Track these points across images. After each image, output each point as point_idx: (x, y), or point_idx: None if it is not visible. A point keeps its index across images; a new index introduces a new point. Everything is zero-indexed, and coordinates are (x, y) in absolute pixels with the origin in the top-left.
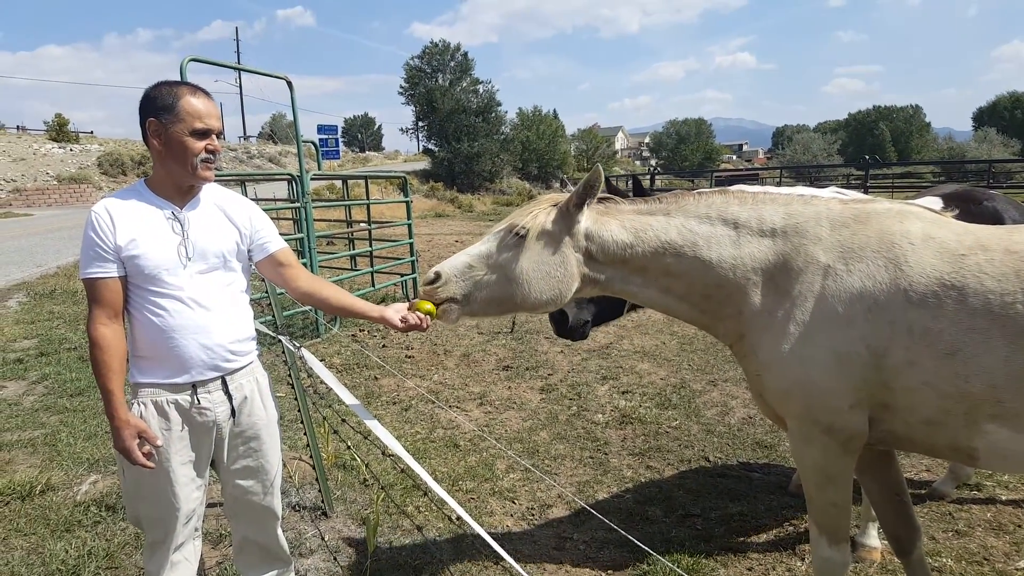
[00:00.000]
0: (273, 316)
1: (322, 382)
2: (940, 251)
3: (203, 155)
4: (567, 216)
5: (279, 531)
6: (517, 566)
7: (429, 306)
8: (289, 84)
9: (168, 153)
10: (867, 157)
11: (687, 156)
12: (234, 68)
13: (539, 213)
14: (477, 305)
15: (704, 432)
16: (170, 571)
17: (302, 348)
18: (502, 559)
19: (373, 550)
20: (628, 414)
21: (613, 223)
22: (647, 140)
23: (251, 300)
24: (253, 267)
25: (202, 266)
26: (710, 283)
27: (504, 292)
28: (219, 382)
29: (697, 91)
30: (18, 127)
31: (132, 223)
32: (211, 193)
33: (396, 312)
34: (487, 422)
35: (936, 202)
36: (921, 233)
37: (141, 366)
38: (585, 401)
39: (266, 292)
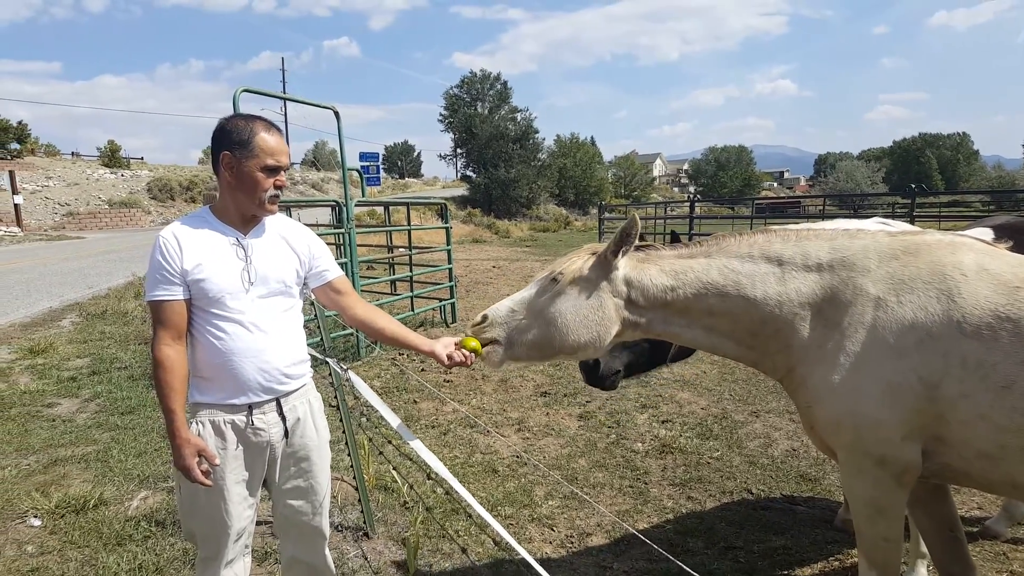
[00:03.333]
0: (321, 338)
1: (365, 404)
2: (994, 283)
3: (271, 191)
4: (605, 263)
5: (326, 551)
6: None
7: (475, 344)
8: (336, 114)
9: (238, 185)
10: (913, 186)
11: (726, 183)
12: (284, 98)
13: (576, 260)
14: (519, 349)
15: (746, 464)
16: None
17: (349, 370)
18: None
19: (414, 572)
20: (668, 443)
21: (653, 268)
22: (686, 167)
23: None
24: (309, 293)
25: (263, 291)
26: (756, 320)
27: (544, 337)
28: (274, 404)
29: (737, 118)
30: (73, 153)
31: (199, 248)
32: (273, 221)
33: (444, 348)
34: (525, 448)
35: (987, 233)
36: (974, 264)
37: (200, 386)
38: (624, 429)
39: (314, 315)
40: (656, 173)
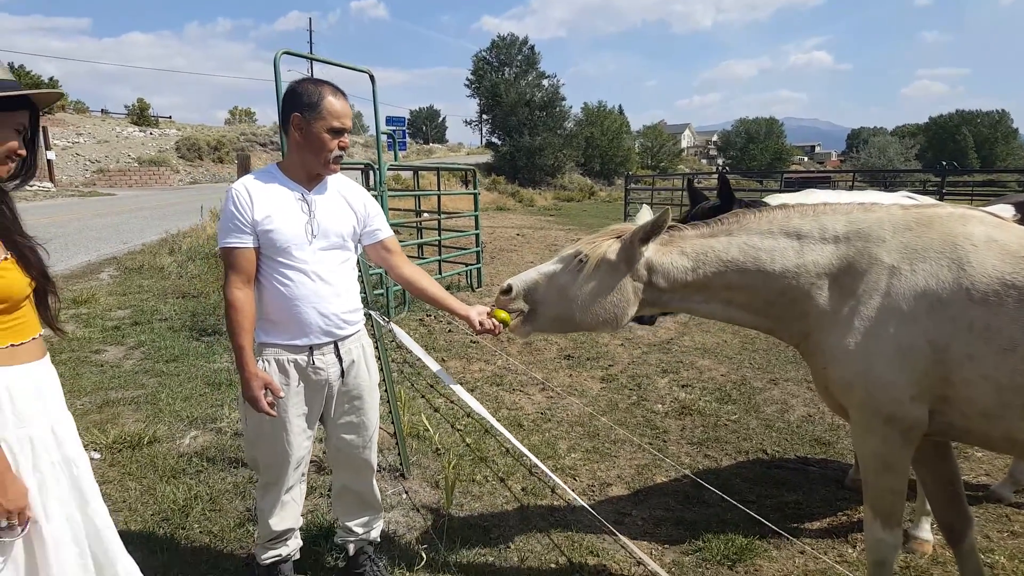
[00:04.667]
0: (364, 292)
1: (398, 360)
2: (1001, 252)
3: (336, 152)
4: (630, 250)
5: (374, 482)
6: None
7: (504, 315)
8: (372, 78)
9: (306, 145)
10: (944, 163)
11: (756, 156)
12: (322, 61)
13: (601, 243)
14: (542, 321)
15: (763, 427)
16: (280, 509)
17: (391, 322)
18: (565, 526)
19: (450, 506)
20: (688, 406)
21: (674, 251)
22: (715, 138)
23: None
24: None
25: (324, 243)
26: (774, 291)
27: (564, 312)
28: (332, 346)
29: (770, 90)
30: (102, 110)
31: (268, 201)
32: (334, 180)
33: (478, 315)
34: (549, 406)
35: (1008, 209)
36: (983, 235)
37: (267, 328)
38: (645, 392)
39: (358, 272)
40: (684, 144)
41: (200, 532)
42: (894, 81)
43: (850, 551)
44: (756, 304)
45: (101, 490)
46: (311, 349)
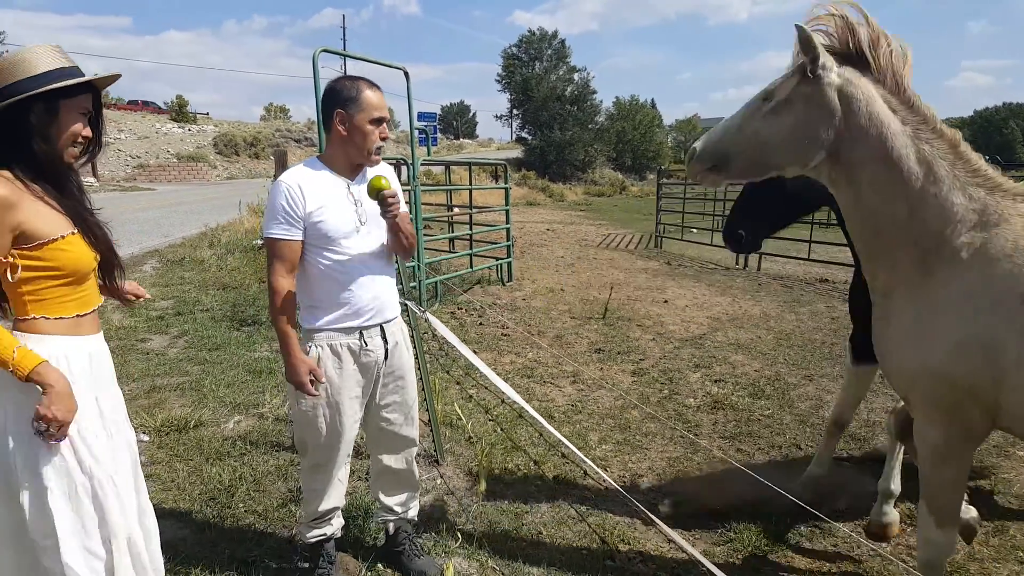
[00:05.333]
0: (401, 283)
1: (440, 345)
2: None
3: (377, 143)
4: (812, 82)
5: (414, 460)
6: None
7: (383, 183)
8: (406, 74)
9: (350, 139)
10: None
11: None
12: (358, 58)
13: (785, 82)
14: (734, 170)
15: (797, 422)
16: (328, 490)
17: (426, 312)
18: (597, 514)
19: (483, 491)
20: (720, 400)
21: (877, 99)
22: None
23: None
24: None
25: (370, 230)
26: (886, 219)
27: (752, 156)
28: (379, 329)
29: None
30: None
31: (319, 194)
32: (372, 169)
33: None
34: (580, 398)
35: None
36: None
37: (317, 315)
38: (676, 386)
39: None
40: None
41: (245, 511)
42: (937, 73)
43: (883, 545)
44: (875, 221)
45: (151, 470)
46: (361, 332)
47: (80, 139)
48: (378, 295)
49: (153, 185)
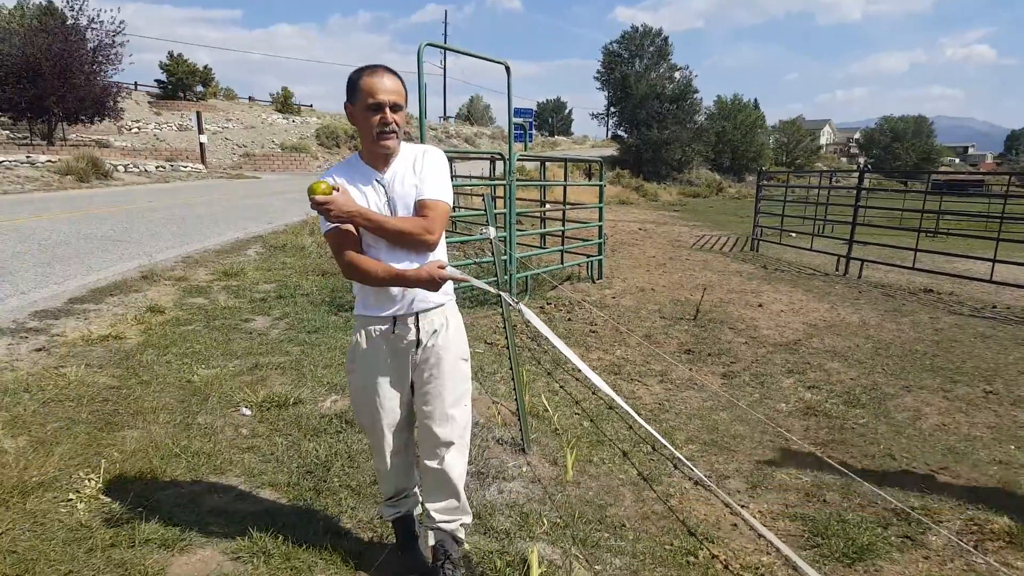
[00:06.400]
0: (496, 276)
1: (529, 339)
2: None
3: (377, 128)
4: None
5: (452, 463)
6: (724, 495)
7: (322, 186)
8: (507, 69)
9: (359, 129)
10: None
11: (900, 155)
12: (461, 52)
13: None
14: None
15: (892, 432)
16: (387, 472)
17: (520, 303)
18: (682, 511)
19: (568, 479)
20: (813, 407)
21: None
22: (857, 136)
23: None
24: (487, 232)
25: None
26: None
27: None
28: (413, 317)
29: (921, 86)
30: (249, 98)
31: (350, 187)
32: (407, 153)
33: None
34: (667, 397)
35: None
36: None
37: (362, 300)
38: (768, 390)
39: (491, 256)
40: (823, 141)
41: (339, 485)
42: None
43: (978, 561)
44: None
45: (251, 443)
46: (394, 320)
47: None
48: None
49: (258, 173)
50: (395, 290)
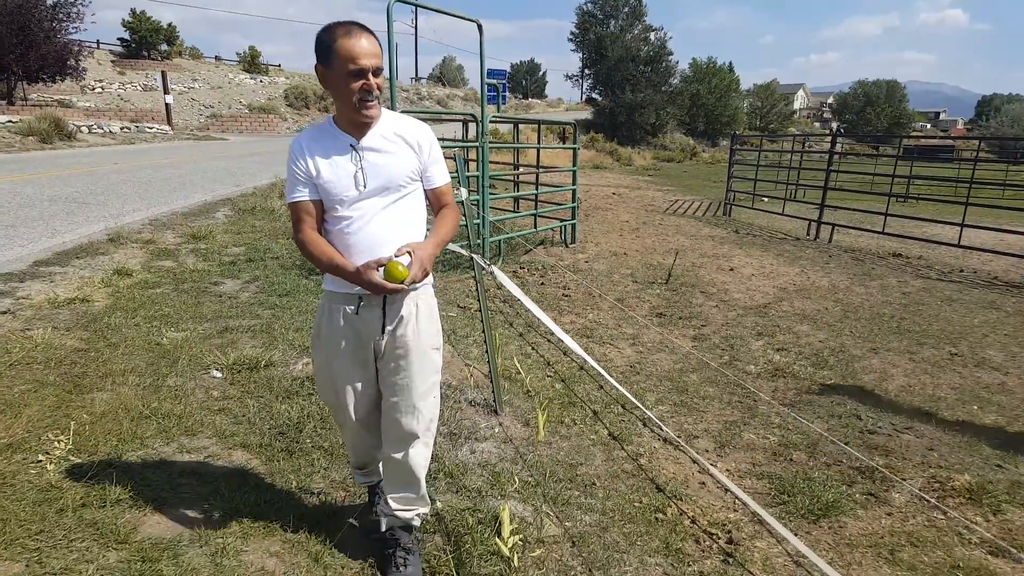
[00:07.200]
0: (468, 240)
1: (500, 303)
2: None
3: (358, 95)
4: None
5: (417, 460)
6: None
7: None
8: (480, 27)
9: (334, 94)
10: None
11: (872, 120)
12: (431, 9)
13: None
14: None
15: (859, 393)
16: (351, 447)
17: (492, 266)
18: (651, 470)
19: (540, 439)
20: (781, 368)
21: None
22: (830, 100)
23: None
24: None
25: (376, 192)
26: None
27: None
28: (380, 299)
29: (894, 51)
30: (216, 57)
31: (319, 155)
32: (391, 122)
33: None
34: (638, 360)
35: None
36: None
37: (328, 277)
38: (737, 352)
39: (464, 220)
40: (797, 105)
41: (312, 446)
42: None
43: (940, 518)
44: None
45: (224, 405)
46: (360, 300)
47: None
48: (378, 262)
49: (225, 135)
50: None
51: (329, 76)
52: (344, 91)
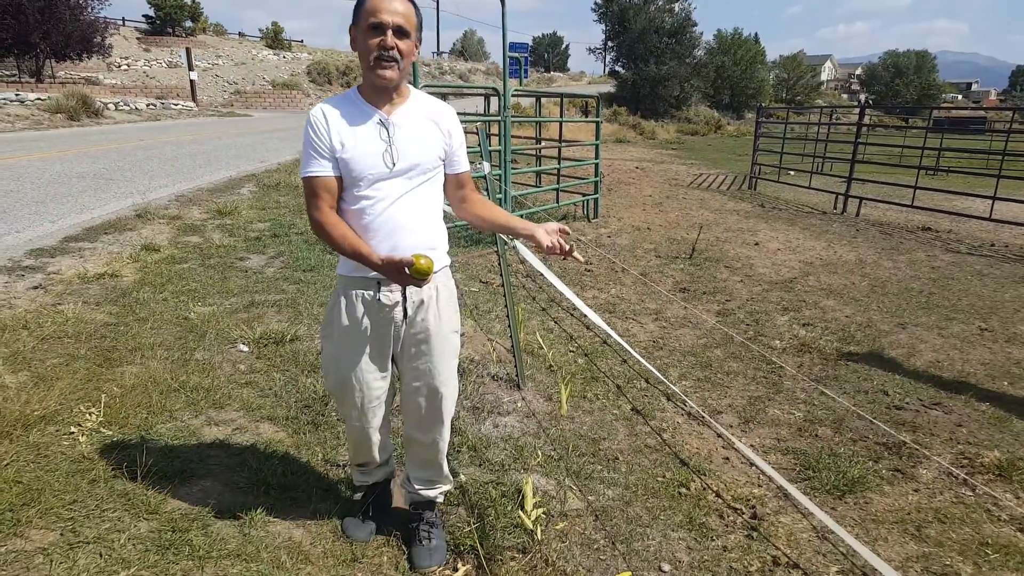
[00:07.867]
0: None
1: (523, 278)
2: None
3: (375, 52)
4: None
5: (441, 444)
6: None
7: (426, 263)
8: (502, 0)
9: (360, 57)
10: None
11: (902, 92)
12: None
13: None
14: None
15: (886, 369)
16: (354, 443)
17: (516, 241)
18: (673, 444)
19: (563, 413)
20: (807, 344)
21: None
22: (858, 72)
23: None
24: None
25: (404, 172)
26: None
27: None
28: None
29: (926, 20)
30: (239, 33)
31: (344, 127)
32: (421, 102)
33: (547, 233)
34: (662, 335)
35: None
36: None
37: (344, 260)
38: (762, 328)
39: (486, 193)
40: (824, 77)
41: (338, 420)
42: None
43: (969, 494)
44: None
45: (250, 378)
46: (379, 284)
47: None
48: (404, 245)
49: (249, 111)
50: (383, 249)
51: (355, 35)
52: (363, 48)
